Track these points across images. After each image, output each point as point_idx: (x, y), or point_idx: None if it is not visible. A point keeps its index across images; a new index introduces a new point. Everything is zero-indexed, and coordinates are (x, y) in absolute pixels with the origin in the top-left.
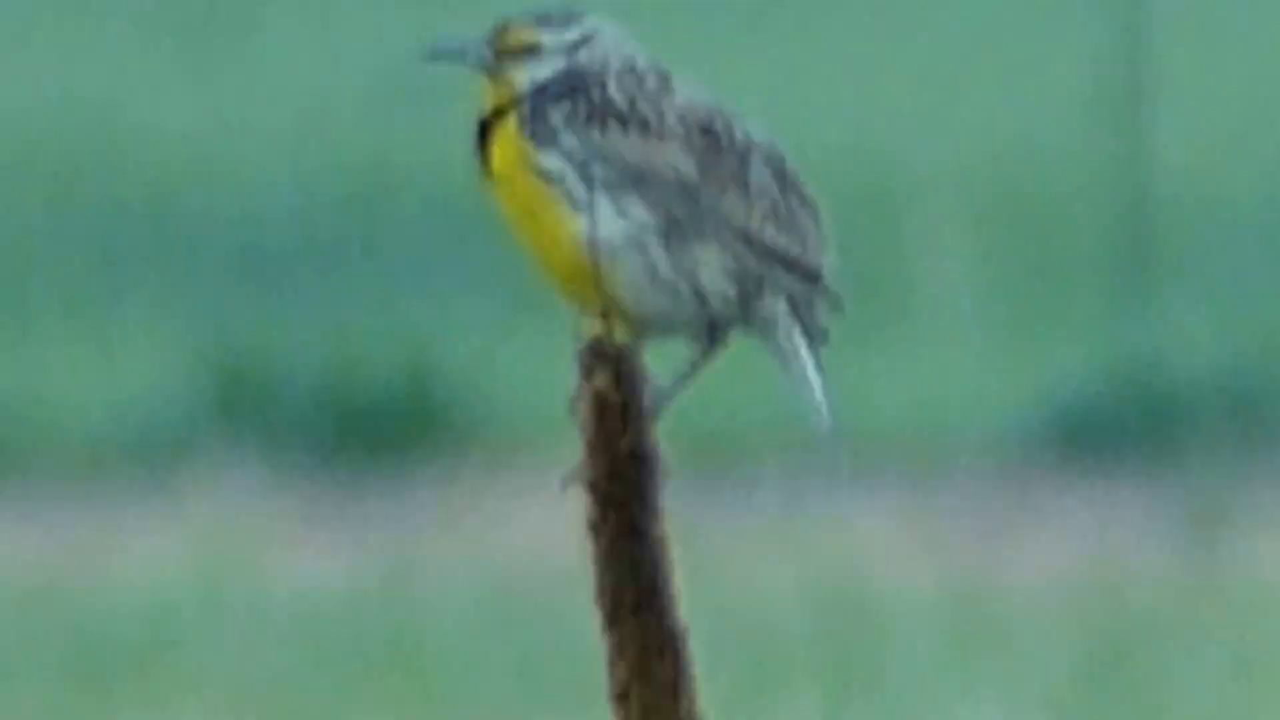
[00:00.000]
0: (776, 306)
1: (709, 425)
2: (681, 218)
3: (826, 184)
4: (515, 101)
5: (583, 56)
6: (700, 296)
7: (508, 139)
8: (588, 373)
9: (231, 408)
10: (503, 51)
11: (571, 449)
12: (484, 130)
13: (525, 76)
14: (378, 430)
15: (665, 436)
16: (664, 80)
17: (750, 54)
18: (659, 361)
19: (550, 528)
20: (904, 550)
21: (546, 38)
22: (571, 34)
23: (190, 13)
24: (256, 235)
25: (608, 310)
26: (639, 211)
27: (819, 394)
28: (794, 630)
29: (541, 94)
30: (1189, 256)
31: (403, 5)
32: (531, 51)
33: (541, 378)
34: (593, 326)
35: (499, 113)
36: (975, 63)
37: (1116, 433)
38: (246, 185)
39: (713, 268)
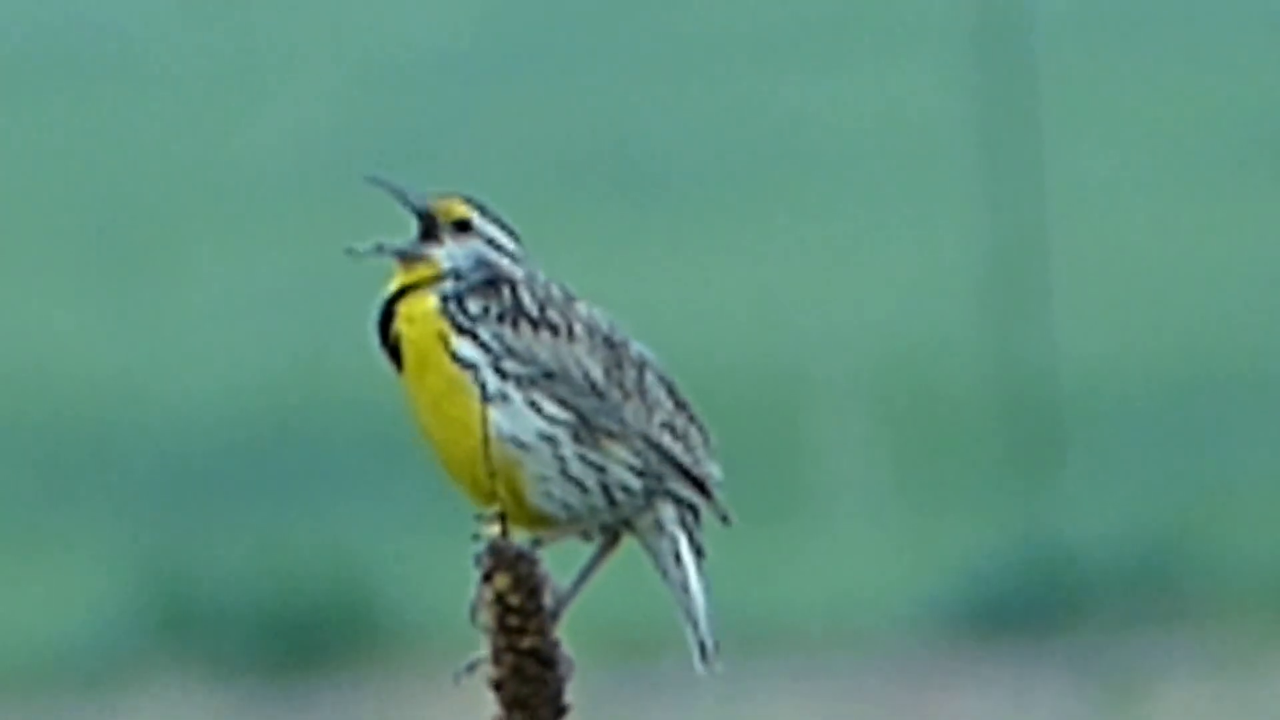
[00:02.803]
0: (665, 512)
1: (635, 623)
2: (590, 415)
3: (726, 378)
4: (434, 279)
5: (502, 260)
6: (607, 492)
7: (427, 317)
8: (488, 575)
9: (170, 628)
10: (433, 215)
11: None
12: (388, 316)
13: (445, 253)
14: (316, 643)
15: (594, 636)
16: (565, 293)
17: (661, 272)
18: (558, 562)
19: None
20: None
21: (477, 219)
22: (500, 233)
23: (114, 249)
24: (188, 460)
25: (504, 511)
26: (551, 407)
27: (699, 604)
28: None
29: (460, 281)
30: (1092, 437)
31: (316, 230)
32: (461, 227)
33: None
34: (491, 528)
35: (409, 289)
36: (868, 249)
37: (1025, 612)
38: (178, 413)
39: (620, 464)
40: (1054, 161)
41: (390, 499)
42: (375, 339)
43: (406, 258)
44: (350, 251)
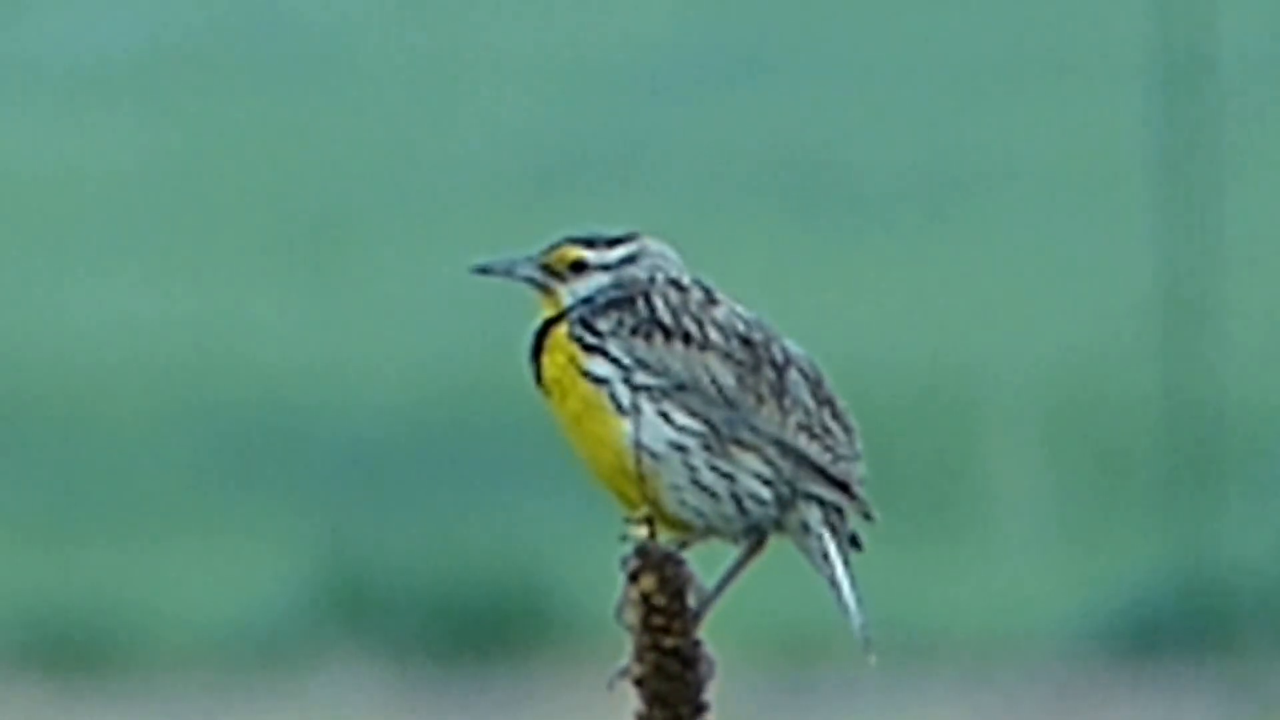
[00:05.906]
0: (810, 513)
1: (798, 626)
2: (721, 425)
3: (899, 392)
4: (564, 312)
5: (628, 272)
6: (738, 500)
7: (559, 345)
8: (634, 575)
9: (348, 611)
10: (549, 267)
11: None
12: (539, 341)
13: (569, 290)
14: (490, 630)
15: (759, 639)
16: (707, 294)
17: (839, 286)
18: (705, 563)
19: None
20: None
21: (591, 256)
22: (616, 253)
23: (308, 240)
24: (369, 447)
25: (652, 514)
26: (682, 418)
27: (849, 597)
28: None
29: (588, 304)
30: (1254, 464)
31: (505, 228)
32: (577, 269)
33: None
34: (638, 531)
35: (552, 322)
36: (1043, 273)
37: (1181, 634)
38: (361, 402)
39: (750, 473)
40: (1232, 193)
41: (569, 491)
42: (529, 370)
43: (536, 285)
44: (480, 270)
